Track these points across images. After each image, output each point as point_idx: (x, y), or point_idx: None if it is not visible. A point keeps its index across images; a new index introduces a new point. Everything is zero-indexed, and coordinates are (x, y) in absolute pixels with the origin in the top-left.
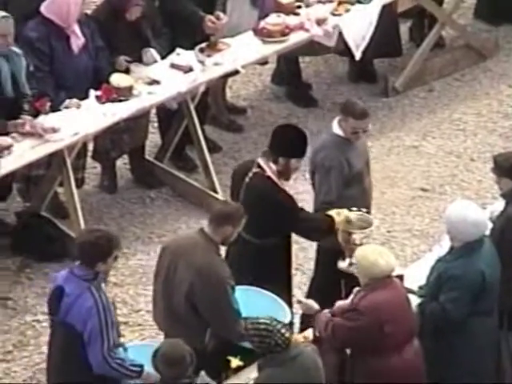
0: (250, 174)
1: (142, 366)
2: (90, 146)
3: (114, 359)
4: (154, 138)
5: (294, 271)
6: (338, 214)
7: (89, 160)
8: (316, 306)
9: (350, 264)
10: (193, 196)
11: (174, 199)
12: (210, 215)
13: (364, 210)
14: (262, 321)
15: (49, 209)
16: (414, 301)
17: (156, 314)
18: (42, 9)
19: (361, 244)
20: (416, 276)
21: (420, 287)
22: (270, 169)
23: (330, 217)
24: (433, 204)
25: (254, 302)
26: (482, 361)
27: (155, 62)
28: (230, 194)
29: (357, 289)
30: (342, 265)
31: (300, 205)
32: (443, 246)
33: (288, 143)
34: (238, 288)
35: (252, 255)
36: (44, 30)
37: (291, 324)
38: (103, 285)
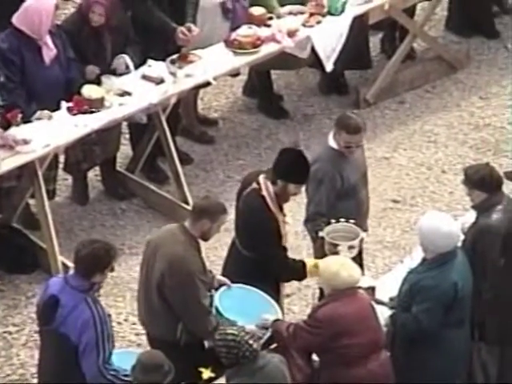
0: (248, 189)
1: None
2: (62, 158)
3: (108, 371)
4: (125, 150)
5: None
6: (316, 267)
7: (60, 172)
8: (271, 318)
9: None
10: (164, 207)
11: (146, 211)
12: (190, 209)
13: (352, 221)
14: (229, 331)
15: (20, 220)
16: (385, 312)
17: (139, 311)
18: (14, 20)
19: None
20: (387, 287)
21: (391, 299)
22: (267, 188)
23: (304, 265)
24: (404, 216)
25: (245, 300)
26: (454, 372)
27: (127, 68)
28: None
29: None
30: None
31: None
32: (414, 258)
33: (289, 167)
34: (234, 286)
35: (244, 267)
36: (15, 41)
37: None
38: (96, 294)
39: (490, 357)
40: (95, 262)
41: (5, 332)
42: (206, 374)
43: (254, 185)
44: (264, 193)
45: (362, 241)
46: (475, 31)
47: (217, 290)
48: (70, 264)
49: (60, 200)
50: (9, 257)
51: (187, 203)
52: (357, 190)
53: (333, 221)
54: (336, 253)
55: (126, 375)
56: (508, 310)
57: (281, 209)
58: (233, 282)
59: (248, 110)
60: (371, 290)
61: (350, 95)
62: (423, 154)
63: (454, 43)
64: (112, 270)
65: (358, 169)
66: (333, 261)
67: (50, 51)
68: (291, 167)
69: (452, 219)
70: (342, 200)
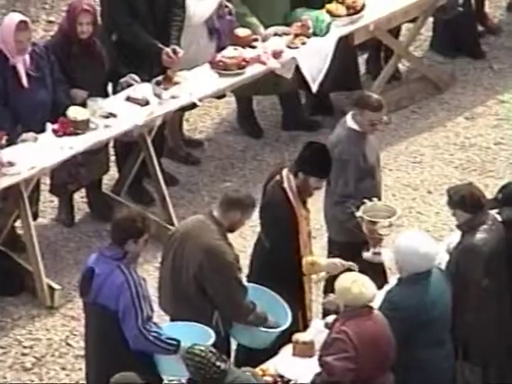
0: (272, 182)
1: (178, 341)
2: (47, 180)
3: (149, 332)
4: (110, 172)
5: None
6: (312, 264)
7: (46, 193)
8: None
9: (374, 254)
10: None
11: None
12: (220, 199)
13: (376, 199)
14: (196, 352)
15: (5, 243)
16: None
17: (161, 299)
18: None
19: (384, 234)
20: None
21: None
22: (289, 181)
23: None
24: (390, 236)
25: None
26: None
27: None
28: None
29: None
30: (367, 255)
31: None
32: None
33: (310, 160)
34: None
35: (267, 259)
36: None
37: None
38: (133, 265)
39: (473, 376)
40: (129, 227)
41: None
42: None
43: (277, 177)
44: (285, 185)
45: (398, 219)
46: (460, 51)
47: None
48: (56, 286)
49: (46, 222)
50: None
51: (172, 224)
52: (374, 171)
53: (366, 200)
54: (375, 231)
55: (169, 338)
56: (490, 330)
57: (304, 204)
58: (259, 278)
59: (233, 131)
60: None
61: (336, 116)
62: (409, 174)
63: (439, 63)
64: (146, 243)
65: (375, 150)
66: (347, 277)
67: (30, 72)
68: (313, 160)
69: (431, 239)
70: (363, 180)
